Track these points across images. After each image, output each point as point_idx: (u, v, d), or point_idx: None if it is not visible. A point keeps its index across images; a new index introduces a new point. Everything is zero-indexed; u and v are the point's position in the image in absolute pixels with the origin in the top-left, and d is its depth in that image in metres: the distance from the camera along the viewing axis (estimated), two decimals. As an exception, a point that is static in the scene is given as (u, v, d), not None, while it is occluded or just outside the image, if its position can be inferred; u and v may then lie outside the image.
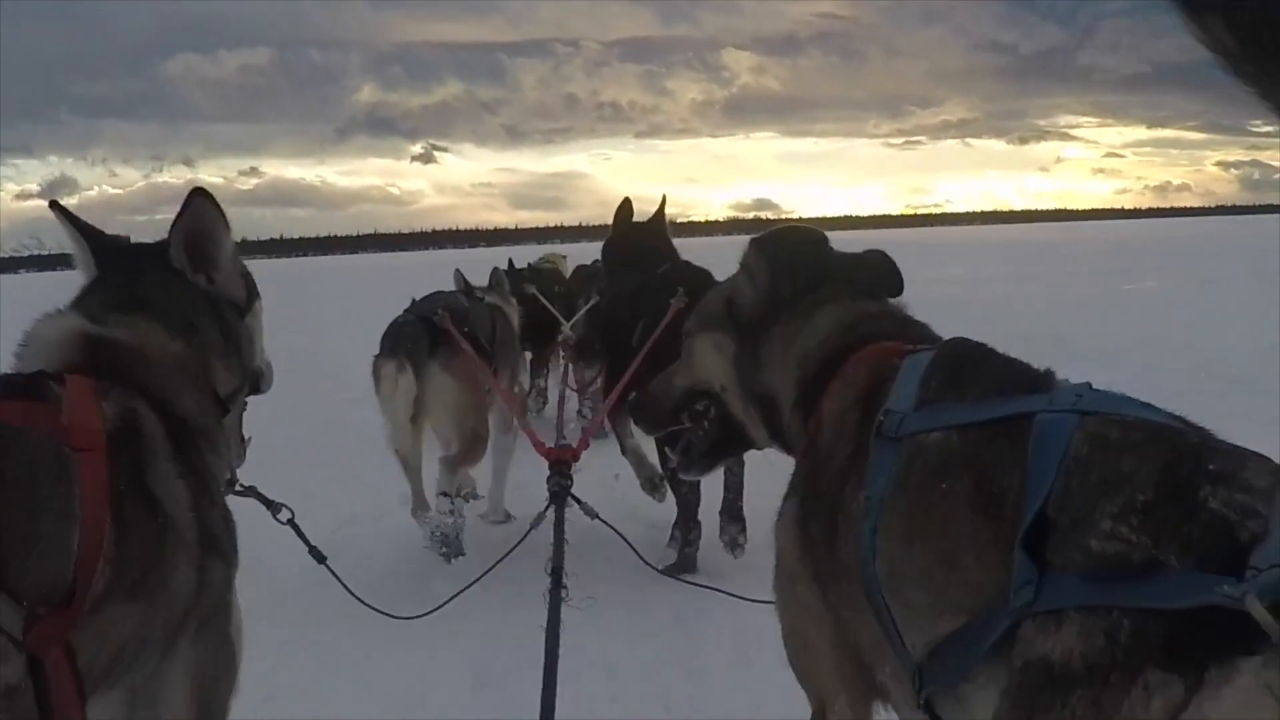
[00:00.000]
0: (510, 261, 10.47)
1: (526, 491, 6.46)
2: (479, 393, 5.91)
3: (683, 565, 5.75)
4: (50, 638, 1.90)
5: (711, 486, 5.71)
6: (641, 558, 4.15)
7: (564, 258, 11.74)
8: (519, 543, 4.20)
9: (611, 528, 4.05)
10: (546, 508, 4.04)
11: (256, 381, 3.03)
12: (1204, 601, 1.45)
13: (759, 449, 2.94)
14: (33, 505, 1.94)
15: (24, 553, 1.89)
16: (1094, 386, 1.98)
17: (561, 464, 4.34)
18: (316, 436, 9.54)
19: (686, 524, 5.86)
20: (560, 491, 4.14)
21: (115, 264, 2.72)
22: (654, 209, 6.76)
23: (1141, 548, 1.56)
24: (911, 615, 1.96)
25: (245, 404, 2.99)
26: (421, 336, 5.71)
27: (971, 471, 1.90)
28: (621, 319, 6.00)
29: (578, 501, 4.16)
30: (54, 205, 2.76)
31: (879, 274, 2.78)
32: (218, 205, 2.71)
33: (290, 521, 3.02)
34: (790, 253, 2.78)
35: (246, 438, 3.02)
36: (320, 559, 3.29)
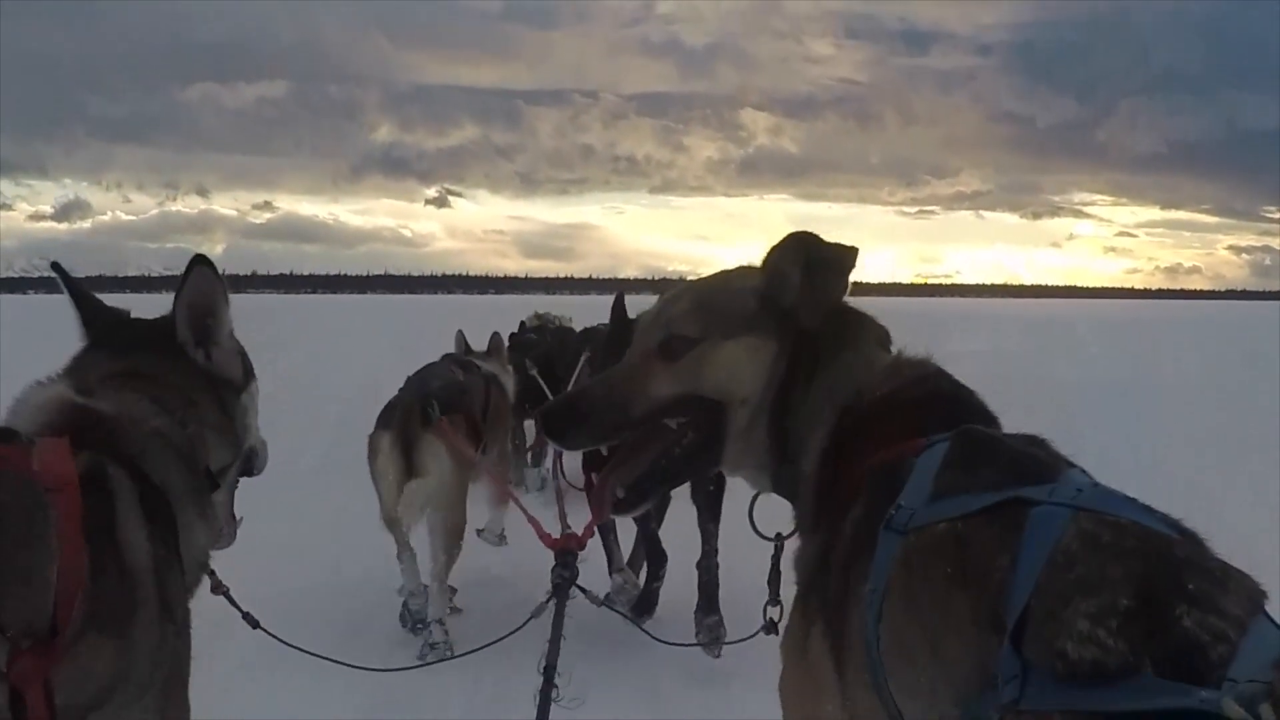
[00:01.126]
0: (522, 324, 10.51)
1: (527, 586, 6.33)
2: (468, 478, 5.93)
3: (644, 605, 5.82)
4: (33, 671, 1.91)
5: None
6: (647, 632, 4.12)
7: (570, 319, 11.67)
8: (513, 631, 4.06)
9: (620, 612, 4.01)
10: (549, 599, 3.98)
11: (250, 461, 2.99)
12: (1180, 705, 1.49)
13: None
14: (10, 539, 1.96)
15: (4, 586, 1.91)
16: (1097, 483, 1.99)
17: (566, 554, 4.29)
18: (312, 474, 9.48)
19: (656, 568, 5.93)
20: (563, 584, 4.09)
21: (111, 336, 2.71)
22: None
23: (1117, 654, 1.58)
24: (910, 701, 1.95)
25: (237, 482, 2.95)
26: (415, 417, 5.69)
27: (965, 557, 1.89)
28: None
29: (583, 591, 4.12)
30: (55, 267, 2.77)
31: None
32: (220, 276, 2.70)
33: (225, 593, 2.88)
34: (839, 261, 2.50)
35: (238, 517, 2.98)
36: (254, 624, 3.13)
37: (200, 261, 2.66)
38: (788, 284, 2.45)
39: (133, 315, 2.83)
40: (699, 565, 5.60)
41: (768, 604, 2.66)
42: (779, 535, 2.60)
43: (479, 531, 6.65)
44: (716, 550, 5.63)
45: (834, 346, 2.45)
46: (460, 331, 7.61)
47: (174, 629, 2.38)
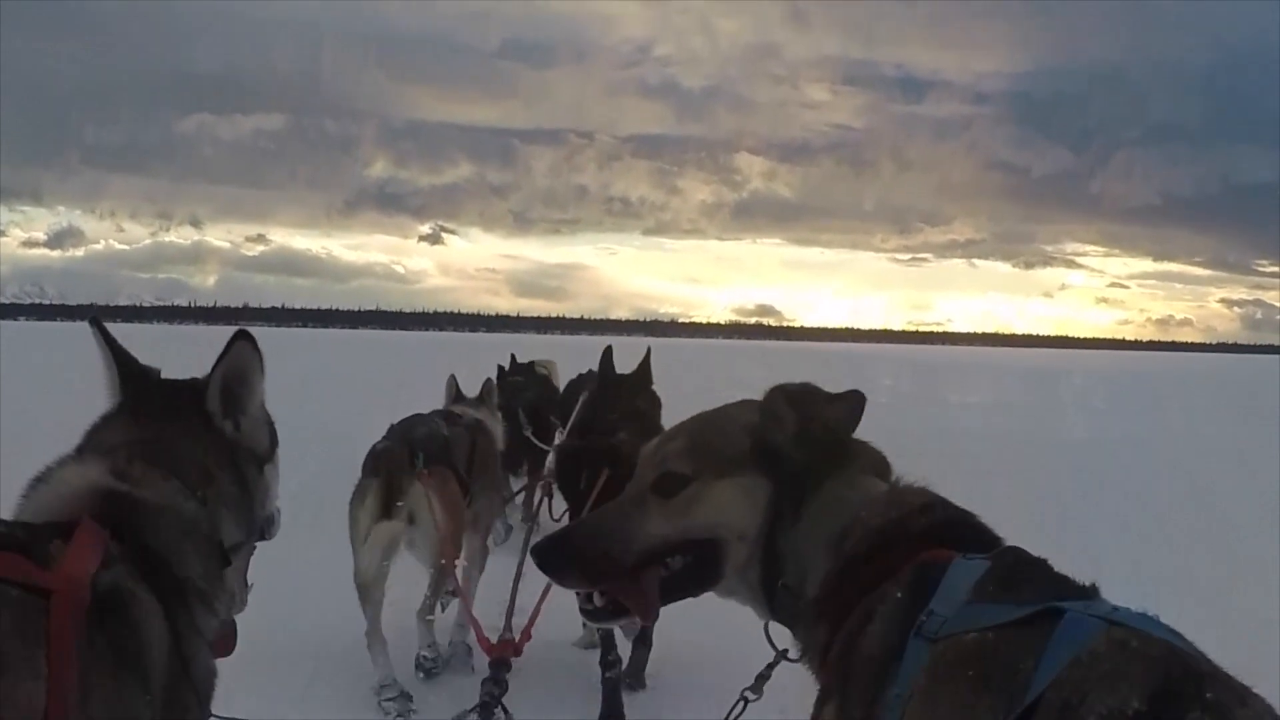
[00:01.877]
0: (508, 361, 10.46)
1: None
2: (459, 521, 5.89)
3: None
4: None
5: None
6: None
7: (554, 363, 11.64)
8: None
9: None
10: (471, 711, 4.02)
11: (265, 528, 2.95)
12: None
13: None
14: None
15: None
16: (1132, 610, 1.99)
17: (500, 664, 4.23)
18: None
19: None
20: (490, 701, 4.13)
21: (144, 400, 2.69)
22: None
23: None
24: None
25: (253, 549, 2.92)
26: (402, 464, 5.69)
27: (992, 661, 1.91)
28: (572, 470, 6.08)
29: (505, 712, 4.12)
30: (94, 322, 2.73)
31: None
32: (259, 351, 2.70)
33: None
34: (839, 422, 2.55)
35: (249, 583, 2.94)
36: None
37: (242, 336, 2.68)
38: (783, 431, 2.50)
39: (163, 376, 2.81)
40: (634, 641, 5.64)
41: (746, 689, 2.70)
42: (784, 651, 2.60)
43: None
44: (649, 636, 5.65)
45: (822, 479, 2.47)
46: (452, 376, 7.56)
47: None
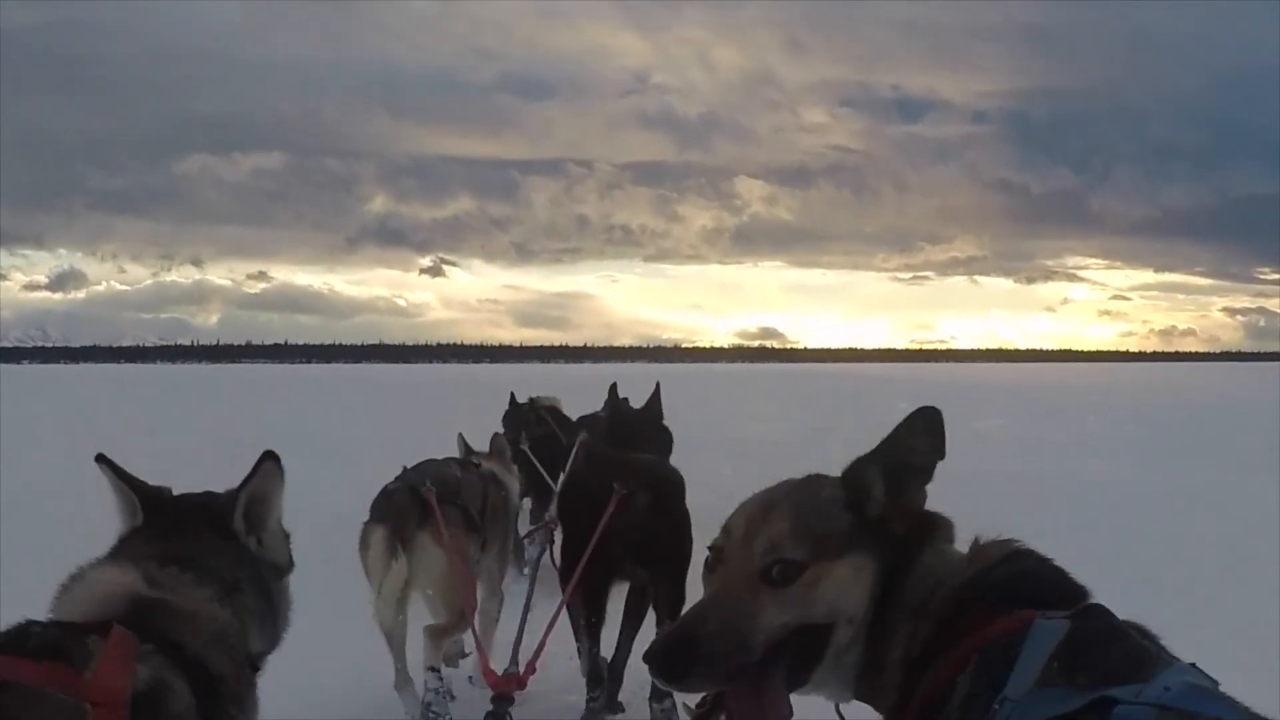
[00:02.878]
0: (512, 395, 10.42)
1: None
2: (466, 567, 5.82)
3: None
4: None
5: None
6: None
7: (557, 399, 11.56)
8: None
9: None
10: None
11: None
12: None
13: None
14: None
15: None
16: (1195, 681, 1.95)
17: (503, 699, 4.24)
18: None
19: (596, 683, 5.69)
20: None
21: (165, 517, 2.75)
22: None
23: None
24: None
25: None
26: (411, 506, 5.64)
27: None
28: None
29: None
30: (100, 459, 2.77)
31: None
32: (282, 468, 2.79)
33: None
34: (923, 464, 2.48)
35: None
36: None
37: (269, 457, 2.77)
38: (872, 496, 2.43)
39: (174, 493, 2.87)
40: (610, 668, 5.60)
41: None
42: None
43: (470, 678, 6.27)
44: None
45: (920, 546, 2.42)
46: (461, 435, 7.54)
47: None
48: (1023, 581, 2.30)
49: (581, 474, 6.19)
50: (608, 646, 5.68)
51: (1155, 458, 19.12)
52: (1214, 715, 1.80)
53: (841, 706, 2.54)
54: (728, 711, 2.40)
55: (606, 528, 5.25)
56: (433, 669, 5.63)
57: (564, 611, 5.34)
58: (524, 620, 5.42)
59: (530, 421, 9.90)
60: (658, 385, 6.79)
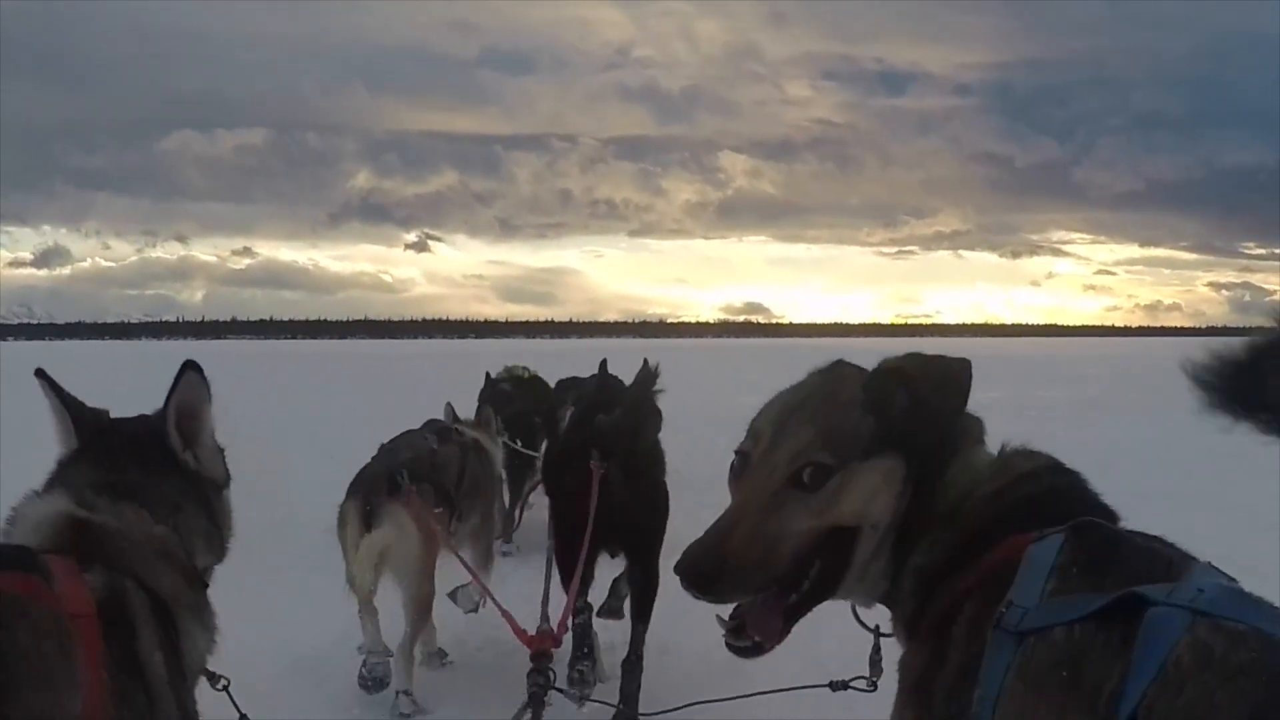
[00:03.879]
0: (487, 375, 10.46)
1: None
2: (436, 548, 5.85)
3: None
4: None
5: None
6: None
7: (527, 368, 11.57)
8: None
9: (605, 703, 3.95)
10: (524, 708, 3.95)
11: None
12: None
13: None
14: (41, 676, 1.98)
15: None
16: (1225, 583, 1.89)
17: (541, 656, 4.23)
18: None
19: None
20: (539, 692, 4.05)
21: (103, 440, 2.72)
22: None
23: None
24: None
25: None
26: (387, 484, 5.69)
27: (1080, 665, 1.82)
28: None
29: (562, 692, 4.07)
30: (39, 374, 2.73)
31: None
32: (206, 379, 2.74)
33: (225, 689, 2.78)
34: (952, 377, 2.41)
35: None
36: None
37: (190, 367, 2.69)
38: (894, 401, 2.35)
39: (111, 415, 2.82)
40: (624, 664, 5.59)
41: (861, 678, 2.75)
42: (877, 628, 2.54)
43: (452, 593, 6.23)
44: (642, 656, 5.59)
45: (944, 455, 2.35)
46: (449, 404, 7.59)
47: None
48: (1049, 500, 2.25)
49: (564, 445, 6.20)
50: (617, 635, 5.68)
51: (1164, 418, 19.00)
52: (1252, 625, 1.73)
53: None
54: (746, 621, 2.35)
55: (585, 503, 5.26)
56: (404, 693, 5.67)
57: (574, 574, 5.34)
58: (548, 579, 5.44)
59: (499, 398, 9.96)
60: (645, 361, 6.74)
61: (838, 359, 2.52)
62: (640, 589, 5.45)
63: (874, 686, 2.72)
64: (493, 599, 5.49)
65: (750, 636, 2.34)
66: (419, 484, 5.71)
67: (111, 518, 2.48)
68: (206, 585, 2.72)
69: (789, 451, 2.35)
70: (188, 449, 2.75)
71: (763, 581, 2.30)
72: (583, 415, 6.32)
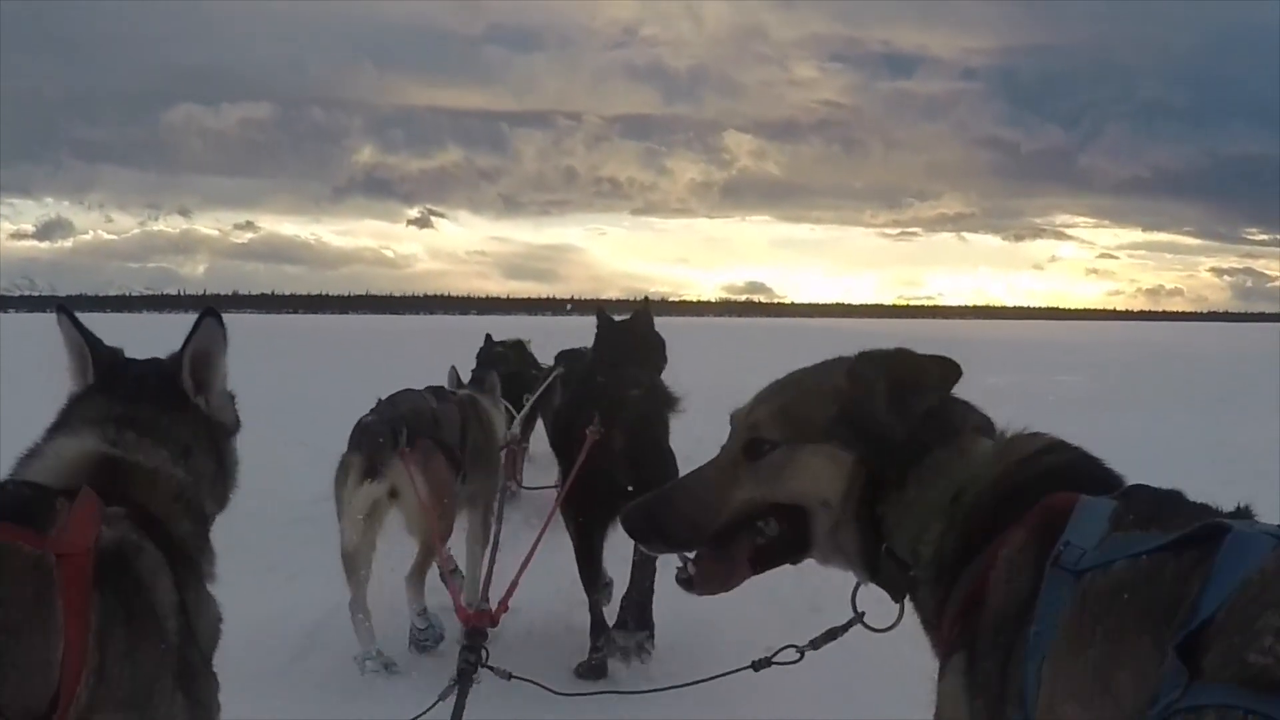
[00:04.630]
0: (488, 336, 10.60)
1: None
2: (444, 494, 5.86)
3: (595, 670, 5.61)
4: None
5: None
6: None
7: (529, 340, 11.73)
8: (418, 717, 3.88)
9: (533, 682, 3.98)
10: (452, 685, 3.98)
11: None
12: None
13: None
14: (15, 625, 1.96)
15: (7, 671, 1.92)
16: None
17: (476, 633, 4.26)
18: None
19: (599, 631, 5.71)
20: (467, 669, 4.08)
21: (117, 379, 2.73)
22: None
23: None
24: None
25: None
26: (387, 437, 5.69)
27: (1150, 586, 1.80)
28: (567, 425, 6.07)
29: (491, 670, 4.12)
30: (62, 310, 2.76)
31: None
32: (224, 326, 2.76)
33: None
34: (929, 383, 2.49)
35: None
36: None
37: (210, 313, 2.74)
38: (873, 398, 2.44)
39: (126, 355, 2.85)
40: (624, 597, 5.66)
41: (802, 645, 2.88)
42: (862, 614, 2.67)
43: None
44: (652, 591, 5.63)
45: (928, 445, 2.40)
46: (453, 367, 7.67)
47: (199, 701, 2.40)
48: (1064, 472, 2.29)
49: (566, 408, 6.23)
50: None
51: (1196, 411, 18.83)
52: None
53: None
54: (696, 571, 2.56)
55: (590, 465, 5.28)
56: (420, 614, 5.88)
57: (537, 550, 5.35)
58: (493, 556, 5.44)
59: (496, 359, 10.08)
60: (646, 299, 6.71)
61: (861, 353, 2.57)
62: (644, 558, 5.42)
63: (801, 656, 2.89)
64: (442, 568, 5.54)
65: (689, 574, 2.57)
66: (418, 440, 5.77)
67: (141, 456, 2.53)
68: (208, 531, 2.75)
69: (745, 424, 2.55)
70: (200, 394, 2.78)
71: (693, 537, 2.55)
72: (584, 378, 6.35)
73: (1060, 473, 2.29)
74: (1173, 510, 2.02)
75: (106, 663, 2.07)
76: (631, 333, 6.53)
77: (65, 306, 2.76)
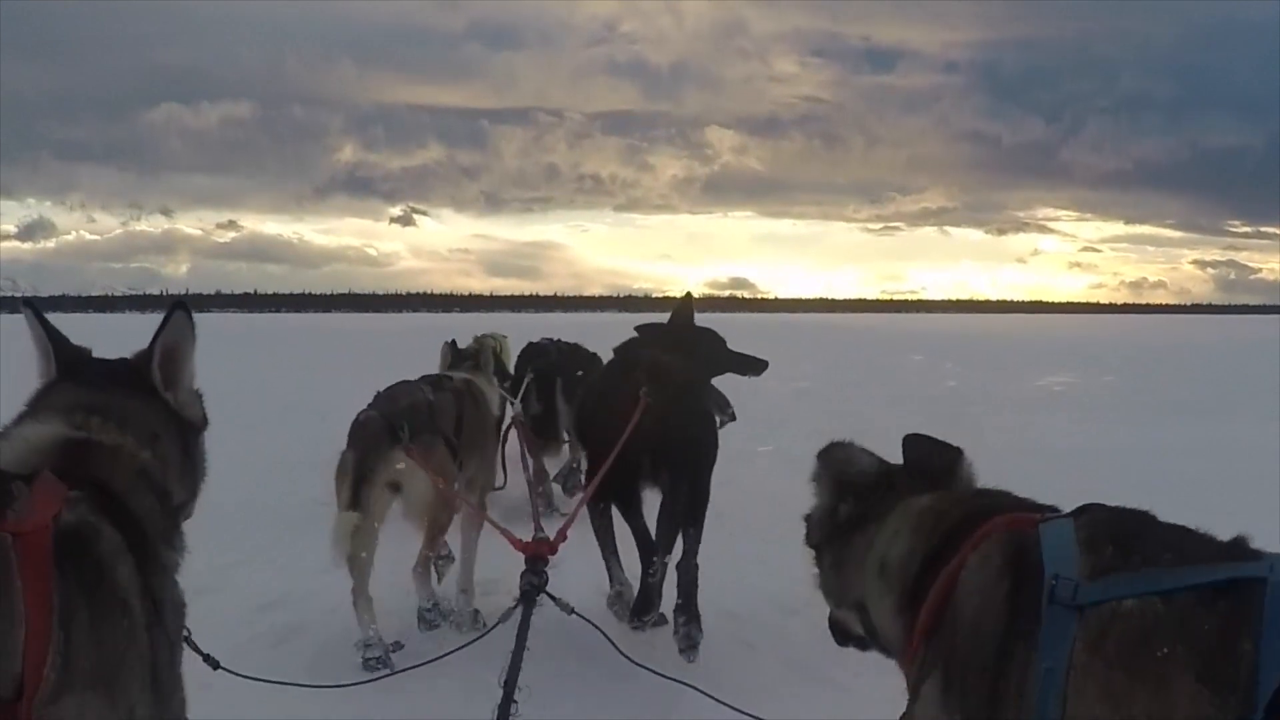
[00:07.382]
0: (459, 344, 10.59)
1: (496, 594, 6.31)
2: (445, 481, 5.87)
3: (642, 604, 5.69)
4: None
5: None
6: (620, 651, 4.15)
7: (505, 336, 11.73)
8: (473, 640, 4.06)
9: (589, 621, 4.01)
10: (515, 606, 3.98)
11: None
12: None
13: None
14: None
15: None
16: None
17: (537, 559, 4.30)
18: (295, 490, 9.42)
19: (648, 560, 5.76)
20: (531, 590, 4.10)
21: (83, 371, 2.74)
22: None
23: None
24: None
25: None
26: (384, 432, 5.69)
27: (1186, 637, 1.79)
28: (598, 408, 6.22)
29: (552, 598, 4.13)
30: (27, 304, 2.76)
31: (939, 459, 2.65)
32: (193, 321, 2.76)
33: (187, 639, 2.77)
34: (843, 460, 2.74)
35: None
36: (214, 665, 3.17)
37: (179, 306, 2.74)
38: (819, 499, 2.80)
39: (92, 354, 2.85)
40: (679, 566, 5.57)
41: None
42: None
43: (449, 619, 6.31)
44: (696, 552, 5.61)
45: (869, 523, 2.61)
46: (445, 342, 7.63)
47: (165, 681, 2.39)
48: (999, 501, 2.45)
49: (605, 382, 6.27)
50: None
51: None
52: None
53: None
54: None
55: (635, 432, 5.29)
56: (427, 608, 6.07)
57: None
58: (535, 509, 5.56)
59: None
60: (689, 294, 6.63)
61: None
62: (689, 501, 5.52)
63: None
64: (488, 519, 5.58)
65: None
66: (418, 436, 5.77)
67: (104, 437, 2.53)
68: (178, 521, 2.74)
69: None
70: (168, 389, 2.78)
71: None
72: (627, 353, 6.35)
73: (998, 502, 2.42)
74: (1151, 540, 2.02)
75: (72, 643, 2.05)
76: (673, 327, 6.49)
77: (31, 301, 2.77)
